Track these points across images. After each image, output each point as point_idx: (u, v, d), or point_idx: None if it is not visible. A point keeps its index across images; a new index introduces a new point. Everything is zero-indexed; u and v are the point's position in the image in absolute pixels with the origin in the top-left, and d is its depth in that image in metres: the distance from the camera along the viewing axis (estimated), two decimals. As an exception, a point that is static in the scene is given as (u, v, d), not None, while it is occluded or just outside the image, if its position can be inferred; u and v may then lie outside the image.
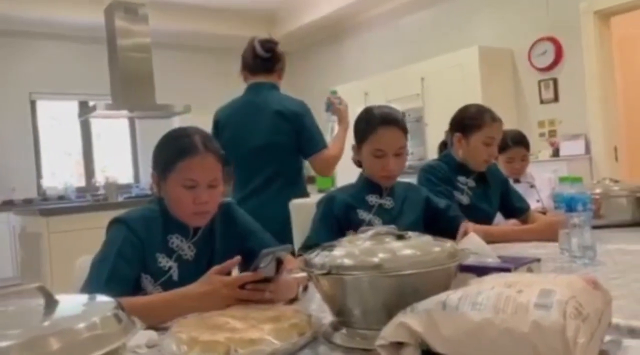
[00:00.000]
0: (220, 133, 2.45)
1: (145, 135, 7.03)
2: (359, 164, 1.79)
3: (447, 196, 1.94)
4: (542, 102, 5.06)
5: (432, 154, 4.33)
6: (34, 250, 3.78)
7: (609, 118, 4.72)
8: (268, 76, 2.49)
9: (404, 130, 1.69)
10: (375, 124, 1.66)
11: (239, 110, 2.49)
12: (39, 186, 6.57)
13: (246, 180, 2.33)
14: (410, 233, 0.97)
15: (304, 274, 1.02)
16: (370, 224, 1.64)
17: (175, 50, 7.34)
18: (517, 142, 2.72)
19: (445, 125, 2.18)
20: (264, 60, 2.43)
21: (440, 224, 1.72)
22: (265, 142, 2.29)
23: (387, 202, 1.72)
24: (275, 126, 2.30)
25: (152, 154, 1.36)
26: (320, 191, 7.33)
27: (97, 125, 7.04)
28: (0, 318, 0.59)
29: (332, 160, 2.35)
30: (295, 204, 2.15)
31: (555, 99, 4.96)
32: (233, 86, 8.95)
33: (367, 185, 1.73)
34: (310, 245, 1.59)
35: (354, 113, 6.53)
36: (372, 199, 1.72)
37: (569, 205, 1.41)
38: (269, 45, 2.43)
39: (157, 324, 1.03)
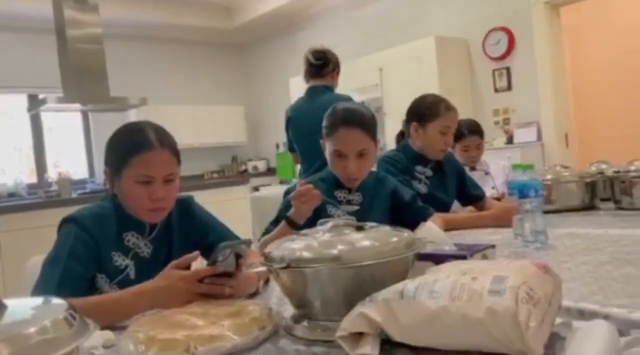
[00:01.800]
0: (291, 128, 3.10)
1: (99, 129, 6.83)
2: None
3: (406, 186, 1.96)
4: (496, 90, 5.18)
5: (392, 143, 4.38)
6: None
7: (559, 106, 4.88)
8: (322, 79, 2.99)
9: (369, 131, 1.63)
10: (336, 124, 1.63)
11: (301, 109, 3.02)
12: (-13, 184, 6.30)
13: (310, 165, 2.88)
14: (369, 224, 0.98)
15: (264, 268, 1.01)
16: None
17: (130, 41, 7.15)
18: (472, 130, 2.78)
19: (404, 115, 2.21)
20: (316, 67, 2.95)
21: (406, 216, 1.73)
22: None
23: (356, 198, 1.72)
24: None
25: (105, 149, 1.32)
26: (282, 182, 7.33)
27: (49, 119, 6.79)
28: (-56, 325, 0.56)
29: None
30: (254, 197, 2.14)
31: (509, 87, 5.09)
32: (190, 77, 8.79)
33: (335, 180, 1.71)
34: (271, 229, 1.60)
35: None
36: (341, 194, 1.71)
37: (522, 191, 1.45)
38: (318, 54, 2.97)
39: (113, 323, 1.00)
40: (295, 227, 1.53)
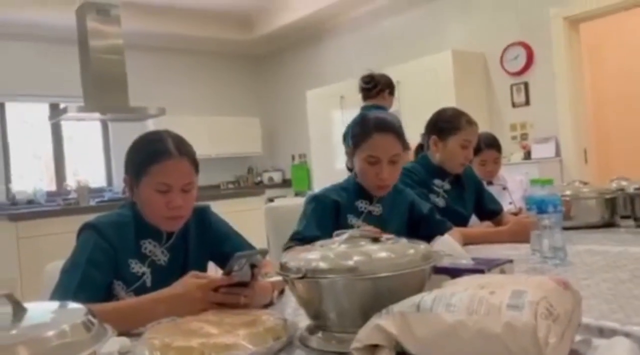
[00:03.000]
0: (345, 142, 3.30)
1: (118, 138, 6.92)
2: (350, 169, 1.77)
3: (423, 199, 1.95)
4: (514, 105, 5.15)
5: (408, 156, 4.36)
6: (3, 256, 3.68)
7: (578, 121, 4.83)
8: (373, 100, 3.31)
9: (401, 138, 1.65)
10: (370, 130, 1.63)
11: None
12: (7, 190, 6.40)
13: None
14: (385, 236, 0.97)
15: (279, 278, 1.01)
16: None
17: (149, 52, 7.26)
18: (489, 144, 2.77)
19: (420, 128, 2.20)
20: (366, 89, 3.34)
21: (423, 229, 1.72)
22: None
23: (376, 209, 1.71)
24: None
25: (125, 158, 1.34)
26: (297, 194, 7.34)
27: (69, 127, 6.90)
28: (-34, 327, 0.57)
29: None
30: (269, 207, 2.15)
31: (527, 102, 5.06)
32: (208, 88, 8.89)
33: (357, 190, 1.71)
34: (298, 238, 1.58)
35: (328, 117, 6.56)
36: (362, 204, 1.71)
37: (540, 207, 1.43)
38: (367, 78, 3.36)
39: (130, 329, 1.01)
40: None
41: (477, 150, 2.66)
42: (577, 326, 0.78)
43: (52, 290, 1.17)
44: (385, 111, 1.74)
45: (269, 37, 7.56)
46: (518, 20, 5.04)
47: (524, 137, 5.08)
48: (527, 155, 4.93)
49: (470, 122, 2.06)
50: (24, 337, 0.54)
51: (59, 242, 2.18)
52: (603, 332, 0.82)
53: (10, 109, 6.62)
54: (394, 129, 1.64)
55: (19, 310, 0.59)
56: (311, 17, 6.81)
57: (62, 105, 5.48)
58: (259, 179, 8.36)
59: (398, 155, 1.64)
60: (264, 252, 1.15)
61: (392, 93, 3.40)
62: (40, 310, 0.64)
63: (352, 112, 1.79)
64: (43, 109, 6.77)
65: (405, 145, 1.67)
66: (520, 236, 1.73)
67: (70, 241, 1.29)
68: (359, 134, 1.66)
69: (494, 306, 0.70)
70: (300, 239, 1.56)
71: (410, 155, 2.31)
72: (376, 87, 3.32)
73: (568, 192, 2.09)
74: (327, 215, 1.64)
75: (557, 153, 4.82)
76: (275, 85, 8.35)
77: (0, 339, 0.53)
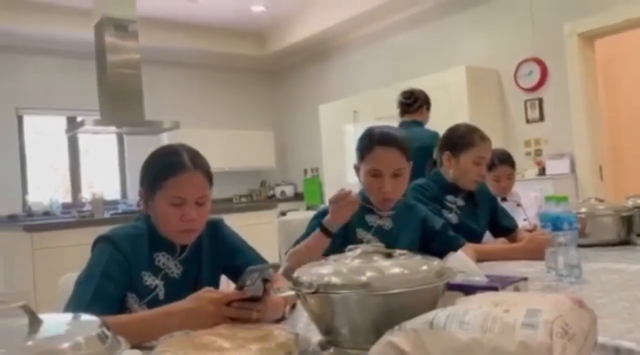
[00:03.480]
0: None
1: (133, 151, 7.00)
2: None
3: (436, 215, 1.94)
4: (528, 121, 5.13)
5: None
6: (18, 267, 3.72)
7: (593, 138, 4.79)
8: (411, 115, 3.40)
9: (405, 152, 1.66)
10: (373, 143, 1.65)
11: None
12: (24, 202, 6.49)
13: None
14: (398, 251, 0.97)
15: (291, 293, 1.01)
16: (368, 244, 1.62)
17: (164, 66, 7.36)
18: (503, 160, 2.75)
19: (433, 144, 2.20)
20: (405, 104, 3.42)
21: (436, 245, 1.71)
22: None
23: (387, 224, 1.71)
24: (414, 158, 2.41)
25: (140, 171, 1.35)
26: (309, 208, 7.34)
27: (85, 140, 7.00)
28: (-18, 338, 0.58)
29: None
30: (282, 221, 2.15)
31: (541, 118, 5.03)
32: (221, 103, 8.98)
33: (366, 205, 1.71)
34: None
35: (340, 131, 6.56)
36: (372, 219, 1.71)
37: (555, 224, 1.42)
38: (407, 94, 3.45)
39: (143, 342, 1.01)
40: (329, 235, 1.53)
41: (491, 166, 2.65)
42: (593, 346, 0.77)
43: (66, 302, 1.18)
44: (390, 126, 1.73)
45: (282, 53, 7.64)
46: (532, 36, 5.04)
47: (538, 153, 5.05)
48: (542, 172, 4.89)
49: (484, 139, 2.05)
50: (40, 348, 0.54)
51: (74, 253, 2.20)
52: (619, 352, 0.81)
53: (28, 121, 6.73)
54: (397, 143, 1.65)
55: (34, 322, 0.60)
56: (323, 33, 6.87)
57: (79, 119, 5.57)
58: (271, 192, 8.38)
59: (401, 169, 1.65)
60: (275, 267, 1.15)
61: (429, 108, 3.49)
62: (56, 322, 0.65)
63: (364, 126, 1.79)
64: (60, 122, 6.87)
65: (409, 161, 1.68)
66: (535, 253, 1.71)
67: (84, 253, 1.30)
68: (363, 147, 1.68)
69: (508, 325, 0.69)
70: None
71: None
72: (416, 102, 3.40)
73: (583, 210, 2.07)
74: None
75: (572, 169, 4.78)
76: (289, 99, 8.41)
77: (17, 351, 0.53)
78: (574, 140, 4.80)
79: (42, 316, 0.62)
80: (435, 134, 2.99)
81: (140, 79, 4.76)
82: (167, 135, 5.89)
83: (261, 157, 8.13)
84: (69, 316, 0.73)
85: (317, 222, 1.67)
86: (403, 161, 1.65)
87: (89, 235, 1.37)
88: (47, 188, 6.77)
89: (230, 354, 0.84)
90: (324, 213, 1.70)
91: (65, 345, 0.55)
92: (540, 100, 5.03)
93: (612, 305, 1.13)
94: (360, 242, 1.63)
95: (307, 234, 1.67)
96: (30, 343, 0.57)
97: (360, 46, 6.97)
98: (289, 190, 8.26)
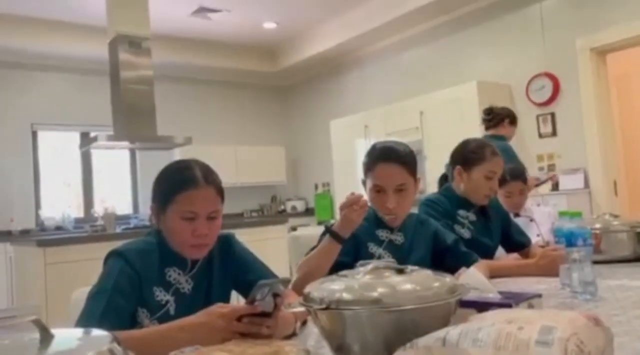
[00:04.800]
0: None
1: (145, 167, 7.06)
2: None
3: (447, 230, 1.93)
4: (540, 136, 5.10)
5: (432, 186, 4.34)
6: (31, 282, 3.74)
7: (607, 152, 4.75)
8: (492, 129, 3.69)
9: (408, 166, 1.63)
10: (374, 160, 1.65)
11: None
12: (37, 216, 6.55)
13: None
14: (410, 267, 0.96)
15: (302, 309, 1.00)
16: (380, 258, 1.61)
17: (176, 82, 7.44)
18: (514, 176, 2.73)
19: (444, 159, 2.19)
20: (487, 120, 3.71)
21: (448, 260, 1.70)
22: None
23: (398, 238, 1.70)
24: None
25: (152, 186, 1.36)
26: (320, 223, 7.33)
27: (98, 156, 7.07)
28: (-6, 352, 0.58)
29: None
30: (292, 236, 2.15)
31: (554, 133, 5.01)
32: (233, 118, 9.05)
33: (377, 219, 1.70)
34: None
35: (352, 146, 6.58)
36: (383, 233, 1.70)
37: (569, 240, 1.40)
38: (487, 111, 3.73)
39: (152, 358, 1.01)
40: (340, 241, 1.52)
41: (503, 182, 2.63)
42: (609, 365, 0.75)
43: (78, 316, 1.18)
44: (394, 141, 1.72)
45: (293, 69, 7.70)
46: (544, 51, 5.03)
47: (552, 168, 5.01)
48: (555, 187, 4.85)
49: (495, 153, 2.04)
50: (51, 363, 0.54)
51: (86, 268, 2.21)
52: (638, 372, 0.79)
53: (43, 137, 6.82)
54: (399, 158, 1.63)
55: (45, 337, 0.60)
56: (334, 50, 6.93)
57: (92, 134, 5.63)
58: (282, 207, 8.39)
59: (405, 185, 1.63)
60: (286, 282, 1.14)
61: (512, 123, 3.71)
62: (67, 336, 0.65)
63: (375, 141, 1.79)
64: (74, 137, 6.96)
65: (414, 175, 1.65)
66: (549, 270, 1.69)
67: (96, 267, 1.31)
68: (366, 163, 1.68)
69: (522, 342, 0.68)
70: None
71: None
72: (495, 118, 3.68)
73: (598, 225, 2.04)
74: (342, 252, 1.57)
75: (586, 184, 4.73)
76: (300, 115, 8.45)
77: (28, 365, 0.53)
78: (588, 155, 4.76)
79: (54, 331, 0.62)
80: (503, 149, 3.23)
81: (152, 95, 4.82)
82: (179, 151, 5.94)
83: (272, 172, 8.15)
84: (80, 331, 0.73)
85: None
86: (406, 176, 1.63)
87: (101, 250, 1.37)
88: (60, 203, 6.84)
89: (241, 370, 0.84)
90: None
91: (76, 360, 0.55)
92: (553, 115, 5.01)
93: (628, 323, 1.11)
94: (372, 257, 1.62)
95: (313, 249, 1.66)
96: (41, 358, 0.57)
97: (371, 62, 7.00)
98: (300, 205, 8.26)
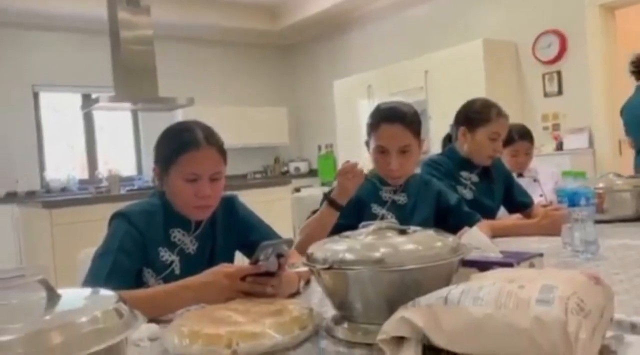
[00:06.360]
0: (624, 118, 3.88)
1: (148, 128, 7.03)
2: None
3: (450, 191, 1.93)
4: (546, 95, 5.04)
5: (436, 147, 4.32)
6: (37, 242, 3.79)
7: (613, 112, 4.69)
8: None
9: (411, 127, 1.62)
10: (378, 120, 1.63)
11: (630, 102, 3.84)
12: (42, 178, 6.58)
13: None
14: (412, 227, 0.97)
15: (305, 269, 1.01)
16: (383, 219, 1.62)
17: (177, 42, 7.33)
18: (522, 136, 2.71)
19: (449, 119, 2.17)
20: (636, 72, 3.70)
21: (451, 220, 1.70)
22: None
23: (401, 198, 1.70)
24: None
25: (154, 148, 1.36)
26: (323, 184, 7.35)
27: (100, 117, 7.04)
28: (3, 312, 0.59)
29: None
30: (296, 197, 2.16)
31: (560, 92, 4.94)
32: (235, 79, 8.92)
33: (380, 180, 1.71)
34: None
35: (355, 106, 6.51)
36: (386, 194, 1.70)
37: (572, 199, 1.41)
38: (636, 61, 3.69)
39: (159, 316, 1.03)
40: (337, 208, 1.54)
41: (509, 141, 2.61)
42: (609, 322, 0.76)
43: (84, 276, 1.20)
44: (398, 102, 1.66)
45: (296, 27, 7.55)
46: (551, 8, 4.92)
47: (556, 127, 4.97)
48: (559, 146, 4.83)
49: (501, 114, 2.02)
50: (58, 322, 0.55)
51: (91, 229, 2.23)
52: (636, 328, 0.80)
53: (44, 98, 6.77)
54: (403, 119, 1.61)
55: (52, 296, 0.61)
56: (337, 7, 6.77)
57: (93, 96, 5.60)
58: (285, 168, 8.40)
59: (408, 146, 1.62)
60: (290, 242, 1.15)
61: None
62: (73, 296, 0.66)
63: (379, 101, 1.76)
64: (75, 98, 6.91)
65: (417, 136, 1.64)
66: (550, 229, 1.70)
67: (101, 228, 1.32)
68: (370, 123, 1.67)
69: (522, 300, 0.69)
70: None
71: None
72: None
73: (601, 185, 2.04)
74: (343, 215, 1.59)
75: (591, 144, 4.71)
76: (303, 75, 8.35)
77: (35, 324, 0.54)
78: (593, 114, 4.71)
79: (60, 291, 0.63)
80: None
81: (153, 55, 4.76)
82: (182, 112, 5.90)
83: (275, 134, 8.12)
84: (86, 291, 0.74)
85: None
86: (410, 137, 1.62)
87: (106, 211, 1.38)
88: (64, 165, 6.85)
89: (245, 328, 0.85)
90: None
91: (83, 319, 0.56)
92: (559, 73, 4.93)
93: (629, 281, 1.12)
94: (375, 217, 1.63)
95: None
96: (48, 317, 0.58)
97: (375, 20, 6.86)
98: (303, 167, 8.26)
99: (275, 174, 8.28)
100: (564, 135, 4.85)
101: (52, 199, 4.41)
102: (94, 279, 1.17)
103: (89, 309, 0.59)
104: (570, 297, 0.68)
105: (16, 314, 0.59)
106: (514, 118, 2.57)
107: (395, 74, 5.89)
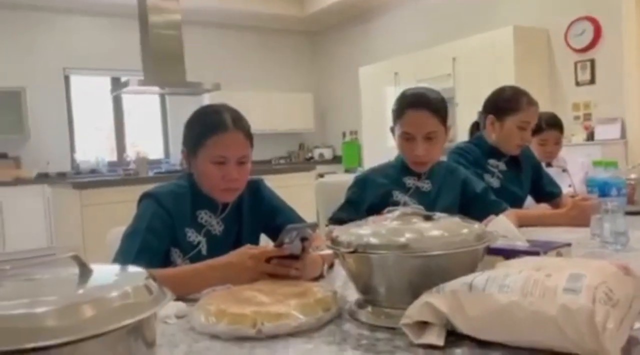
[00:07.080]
0: None
1: (175, 112, 7.11)
2: None
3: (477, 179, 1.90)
4: (577, 84, 4.92)
5: (463, 134, 4.27)
6: (68, 223, 3.88)
7: (647, 102, 4.57)
8: None
9: (438, 114, 1.60)
10: (404, 106, 1.62)
11: None
12: (72, 160, 6.73)
13: None
14: (437, 214, 0.96)
15: (330, 252, 1.02)
16: (405, 205, 1.61)
17: (205, 27, 7.36)
18: (551, 125, 2.65)
19: (476, 107, 2.14)
20: None
21: (477, 208, 1.68)
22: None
23: (425, 185, 1.69)
24: None
25: (183, 131, 1.37)
26: (346, 170, 7.34)
27: (129, 100, 7.14)
28: (36, 286, 0.61)
29: None
30: (320, 183, 2.16)
31: (592, 81, 4.82)
32: (261, 64, 8.94)
33: (404, 166, 1.70)
34: (335, 220, 1.61)
35: (381, 93, 6.47)
36: (409, 180, 1.69)
37: (603, 190, 1.38)
38: None
39: (186, 294, 1.05)
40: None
41: (538, 130, 2.56)
42: (637, 313, 0.75)
43: (113, 255, 1.23)
44: (424, 87, 1.61)
45: (323, 13, 7.50)
46: (586, -6, 4.78)
47: (587, 117, 4.86)
48: (590, 136, 4.72)
49: (531, 103, 1.98)
50: (90, 296, 0.57)
51: (120, 209, 2.28)
52: (665, 321, 0.78)
53: (75, 81, 6.89)
54: (429, 105, 1.59)
55: (84, 271, 0.63)
56: (366, -9, 6.69)
57: (123, 79, 5.67)
58: (309, 154, 8.41)
59: (435, 132, 1.59)
60: (314, 226, 1.16)
61: None
62: (105, 272, 0.67)
63: (405, 88, 1.74)
64: (105, 82, 7.02)
65: (444, 123, 1.62)
66: (579, 220, 1.66)
67: (130, 209, 1.35)
68: (396, 110, 1.65)
69: (549, 289, 0.68)
70: (336, 221, 1.59)
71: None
72: None
73: (633, 176, 1.99)
74: (365, 201, 1.63)
75: (623, 135, 4.59)
76: (328, 61, 8.31)
77: (68, 298, 0.55)
78: (626, 104, 4.58)
79: (92, 266, 0.64)
80: None
81: (181, 40, 4.80)
82: (208, 96, 5.94)
83: (300, 119, 8.13)
84: (117, 267, 0.76)
85: (356, 189, 1.67)
86: (436, 123, 1.59)
87: (134, 192, 1.41)
88: (93, 147, 6.99)
89: (270, 308, 0.86)
90: (363, 180, 1.70)
91: (114, 293, 0.57)
92: (592, 62, 4.80)
93: (660, 273, 1.10)
94: (396, 204, 1.62)
95: (347, 201, 1.68)
96: (81, 291, 0.60)
97: (402, 6, 6.77)
98: (327, 153, 8.26)
99: (300, 160, 8.30)
100: (596, 125, 4.74)
101: (82, 180, 4.50)
102: (123, 258, 1.19)
103: (119, 284, 0.60)
104: (598, 286, 0.67)
105: (50, 288, 0.60)
106: (544, 107, 2.52)
107: (422, 60, 5.82)
